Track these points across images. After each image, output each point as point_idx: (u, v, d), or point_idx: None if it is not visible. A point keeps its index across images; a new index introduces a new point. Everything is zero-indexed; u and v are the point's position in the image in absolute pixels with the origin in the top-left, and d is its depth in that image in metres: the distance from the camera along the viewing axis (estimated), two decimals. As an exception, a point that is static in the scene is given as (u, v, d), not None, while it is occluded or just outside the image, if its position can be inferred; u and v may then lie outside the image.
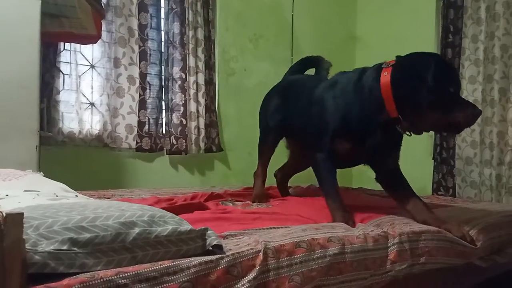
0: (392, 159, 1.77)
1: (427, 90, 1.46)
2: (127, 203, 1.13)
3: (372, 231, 1.38)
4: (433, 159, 3.47)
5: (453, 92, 1.53)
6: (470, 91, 3.25)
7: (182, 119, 3.24)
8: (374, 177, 1.84)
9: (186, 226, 1.00)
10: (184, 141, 3.25)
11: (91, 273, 0.81)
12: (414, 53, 1.63)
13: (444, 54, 3.38)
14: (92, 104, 3.01)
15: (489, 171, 3.13)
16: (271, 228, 1.36)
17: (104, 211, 0.95)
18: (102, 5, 2.85)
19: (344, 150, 1.68)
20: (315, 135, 1.77)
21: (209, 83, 3.38)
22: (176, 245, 0.96)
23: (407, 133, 1.62)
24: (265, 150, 2.26)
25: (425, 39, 3.66)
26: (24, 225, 0.78)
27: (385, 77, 1.55)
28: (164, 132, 3.25)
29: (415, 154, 3.66)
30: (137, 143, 3.07)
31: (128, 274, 0.83)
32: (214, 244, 1.00)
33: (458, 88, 1.62)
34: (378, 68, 1.62)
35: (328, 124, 1.69)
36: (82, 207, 0.98)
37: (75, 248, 0.83)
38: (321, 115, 1.74)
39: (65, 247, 0.82)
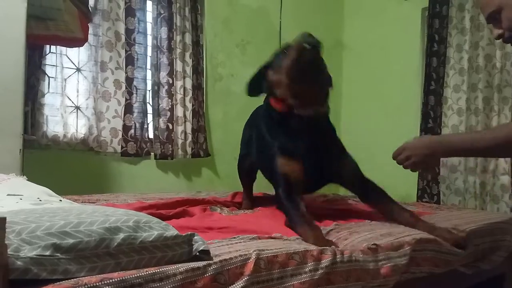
0: (348, 164, 1.81)
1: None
2: (112, 208, 1.11)
3: (359, 242, 1.37)
4: (418, 166, 3.50)
5: None
6: (454, 100, 3.30)
7: (169, 124, 3.23)
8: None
9: (172, 232, 0.99)
10: (170, 146, 3.23)
11: (75, 279, 0.80)
12: None
13: (429, 63, 3.42)
14: (77, 108, 2.98)
15: (473, 178, 3.17)
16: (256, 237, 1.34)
17: (88, 216, 0.93)
18: (89, 8, 2.83)
19: (294, 167, 1.70)
20: (270, 171, 1.85)
21: (197, 88, 3.37)
22: (162, 250, 0.94)
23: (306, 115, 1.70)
24: (244, 176, 2.29)
25: (411, 48, 3.71)
26: (6, 230, 0.77)
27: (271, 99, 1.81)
28: (150, 137, 3.23)
29: (401, 161, 3.70)
30: (122, 147, 3.04)
31: (113, 280, 0.81)
32: (201, 250, 0.99)
33: None
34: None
35: (269, 154, 1.78)
36: (65, 212, 0.96)
37: (58, 254, 0.81)
38: (264, 153, 1.86)
39: (47, 253, 0.80)
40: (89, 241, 0.85)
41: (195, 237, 1.02)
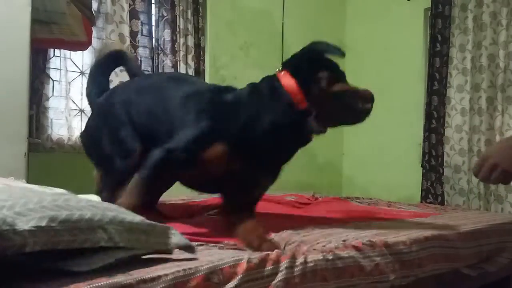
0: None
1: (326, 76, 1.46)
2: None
3: (356, 239, 1.37)
4: (421, 166, 3.49)
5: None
6: (458, 100, 3.28)
7: (172, 126, 3.24)
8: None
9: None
10: (174, 148, 3.24)
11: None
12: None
13: (432, 63, 3.42)
14: (81, 111, 3.00)
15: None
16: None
17: (69, 196, 0.95)
18: (93, 11, 2.85)
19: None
20: None
21: (200, 90, 3.39)
22: (147, 234, 0.93)
23: (316, 130, 1.46)
24: None
25: (413, 48, 3.71)
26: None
27: (283, 75, 1.48)
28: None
29: (404, 162, 3.69)
30: (127, 149, 3.06)
31: (102, 284, 0.79)
32: (183, 245, 0.99)
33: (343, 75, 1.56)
34: (271, 76, 1.55)
35: None
36: (44, 192, 0.97)
37: (54, 224, 0.79)
38: None
39: (44, 224, 0.78)
40: (82, 214, 0.84)
41: (173, 231, 1.01)
